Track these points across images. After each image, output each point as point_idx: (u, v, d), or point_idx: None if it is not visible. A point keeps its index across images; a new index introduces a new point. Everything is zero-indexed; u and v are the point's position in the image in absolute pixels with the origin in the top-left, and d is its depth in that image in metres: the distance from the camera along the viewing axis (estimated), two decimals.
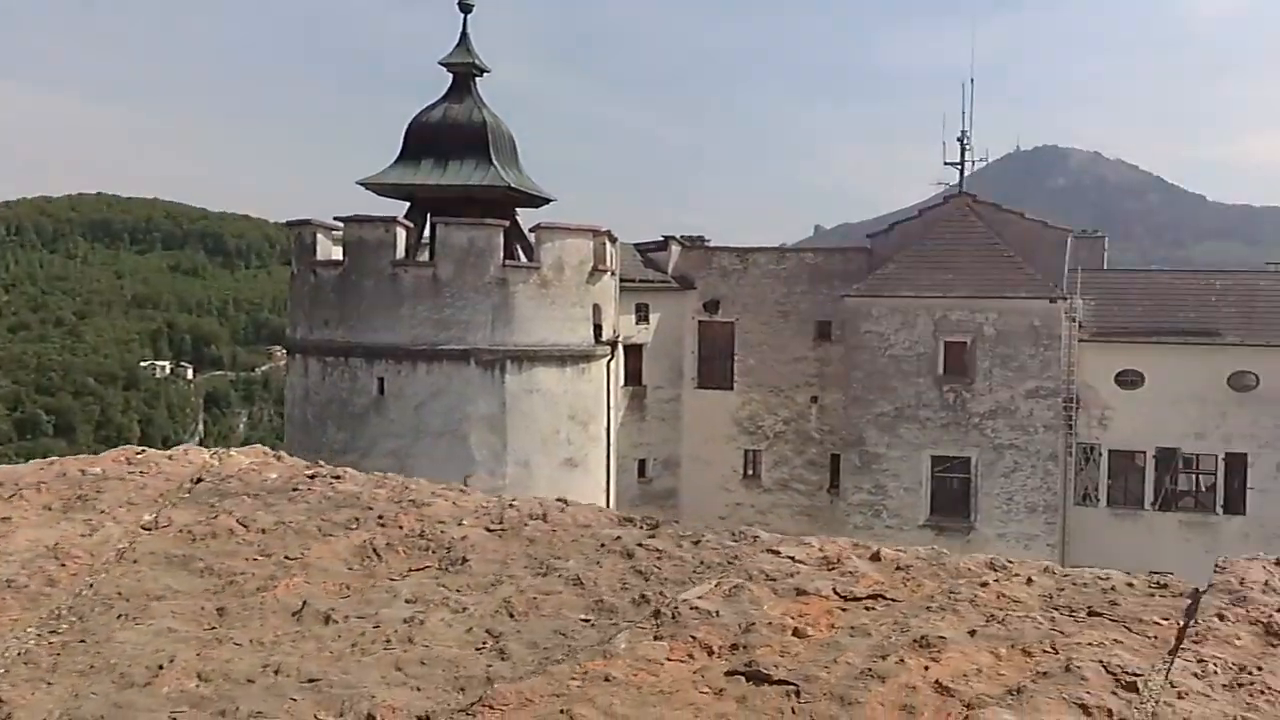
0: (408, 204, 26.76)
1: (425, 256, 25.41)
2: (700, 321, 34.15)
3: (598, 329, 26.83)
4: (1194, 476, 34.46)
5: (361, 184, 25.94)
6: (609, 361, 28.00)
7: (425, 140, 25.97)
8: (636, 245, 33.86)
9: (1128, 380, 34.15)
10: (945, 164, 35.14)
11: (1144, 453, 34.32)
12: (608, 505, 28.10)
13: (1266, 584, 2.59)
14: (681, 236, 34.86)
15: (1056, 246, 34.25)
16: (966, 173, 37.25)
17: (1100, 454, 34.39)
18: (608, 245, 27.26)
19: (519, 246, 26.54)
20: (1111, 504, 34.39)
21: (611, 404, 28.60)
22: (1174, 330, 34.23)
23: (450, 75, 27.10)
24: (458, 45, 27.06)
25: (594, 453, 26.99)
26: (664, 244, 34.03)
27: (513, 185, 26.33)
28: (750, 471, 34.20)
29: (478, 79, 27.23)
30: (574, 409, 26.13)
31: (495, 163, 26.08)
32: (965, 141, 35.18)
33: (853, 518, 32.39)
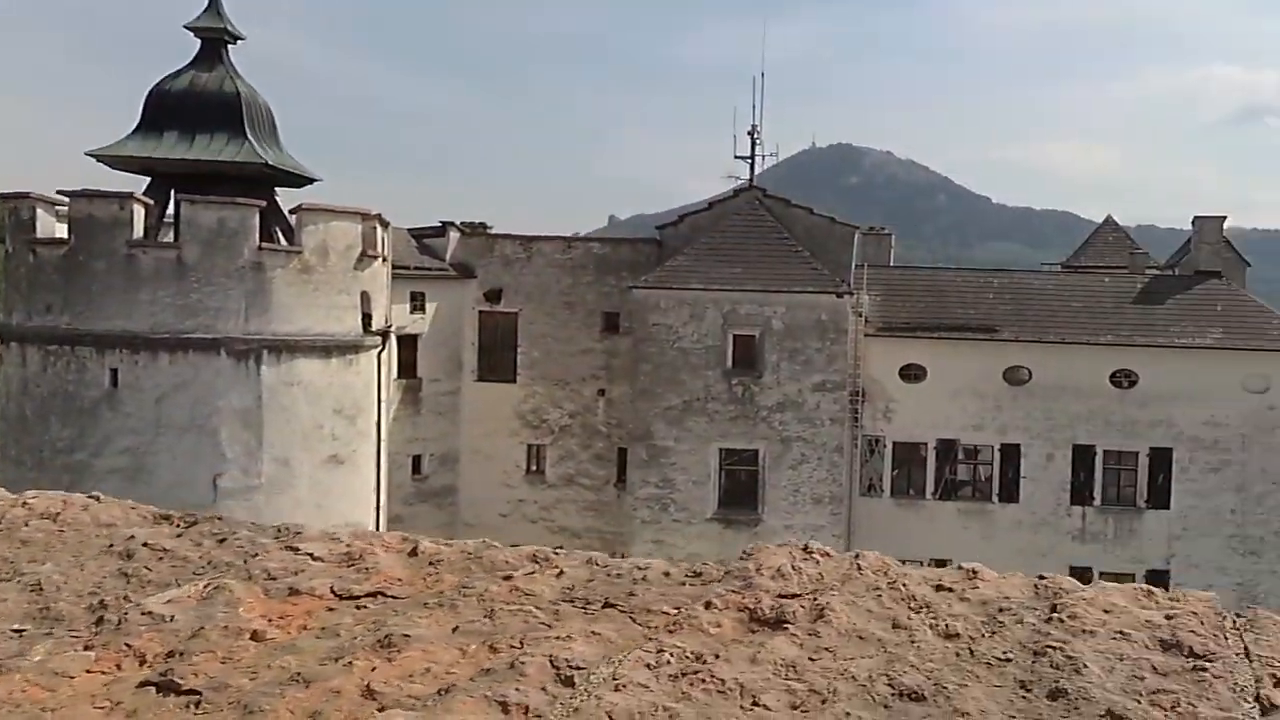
0: (148, 180, 25.31)
1: (170, 237, 24.12)
2: (481, 312, 33.83)
3: (367, 318, 26.17)
4: (972, 466, 36.60)
5: (93, 155, 24.33)
6: (380, 353, 27.38)
7: (169, 110, 24.54)
8: (412, 230, 33.22)
9: (911, 374, 35.94)
10: (736, 158, 36.10)
11: (926, 444, 36.21)
12: (378, 503, 27.49)
13: (779, 570, 2.64)
14: (462, 223, 34.45)
15: (844, 242, 35.65)
16: (760, 167, 38.42)
17: (884, 446, 36.10)
18: (379, 229, 26.60)
19: (278, 229, 25.54)
20: (895, 494, 36.19)
21: (383, 397, 27.99)
22: (954, 326, 36.26)
23: (198, 41, 25.77)
24: (207, 8, 25.73)
25: (363, 449, 26.34)
26: (442, 230, 33.52)
27: (270, 162, 25.28)
28: (534, 467, 34.16)
29: (230, 46, 26.00)
30: (340, 402, 25.41)
31: (250, 137, 24.96)
32: (756, 136, 36.24)
33: (640, 512, 32.85)
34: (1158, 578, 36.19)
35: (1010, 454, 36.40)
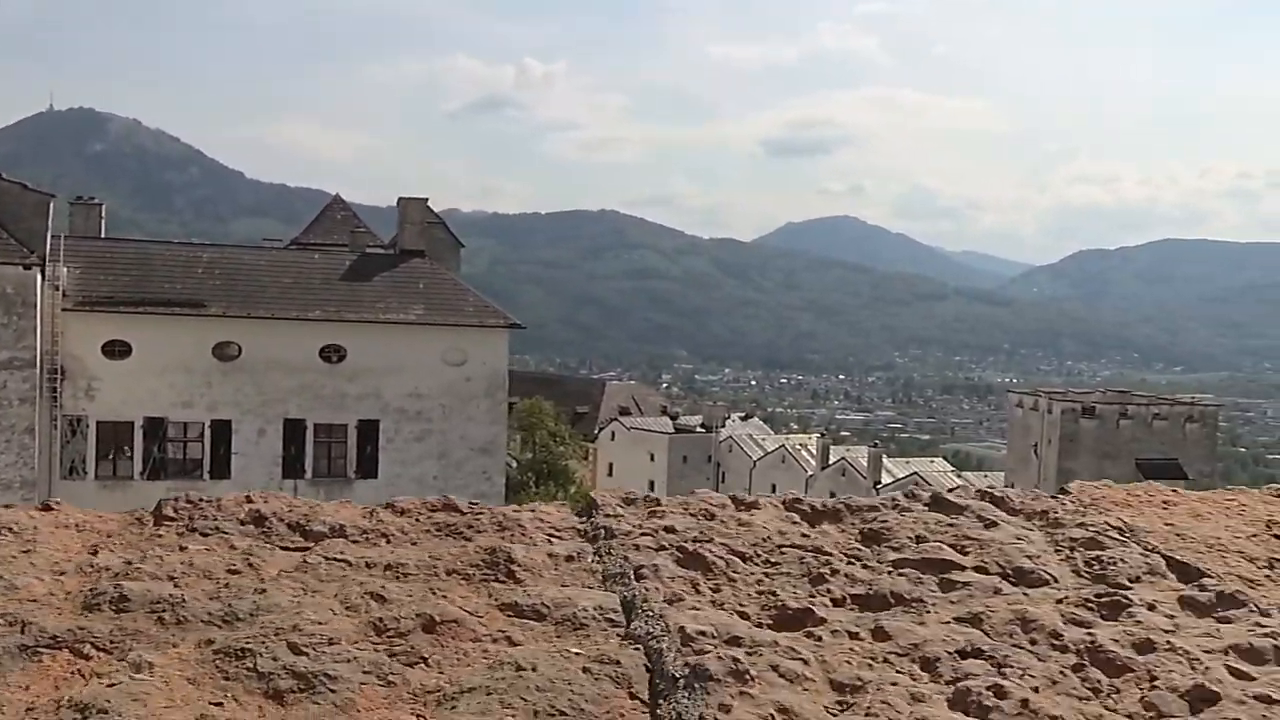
0: None
1: None
2: None
3: None
4: (183, 444, 40.39)
5: None
6: None
7: None
8: None
9: (115, 350, 38.84)
10: None
11: (133, 423, 39.40)
12: None
13: None
14: None
15: (38, 211, 37.36)
16: None
17: (88, 426, 38.68)
18: None
19: None
20: (100, 476, 38.88)
21: None
22: (160, 301, 39.87)
23: None
24: None
25: None
26: None
27: None
28: None
29: None
30: None
31: None
32: None
33: None
34: None
35: (221, 430, 40.54)
